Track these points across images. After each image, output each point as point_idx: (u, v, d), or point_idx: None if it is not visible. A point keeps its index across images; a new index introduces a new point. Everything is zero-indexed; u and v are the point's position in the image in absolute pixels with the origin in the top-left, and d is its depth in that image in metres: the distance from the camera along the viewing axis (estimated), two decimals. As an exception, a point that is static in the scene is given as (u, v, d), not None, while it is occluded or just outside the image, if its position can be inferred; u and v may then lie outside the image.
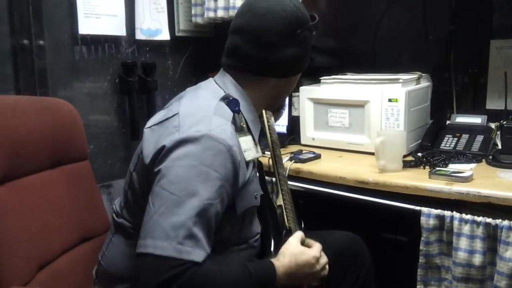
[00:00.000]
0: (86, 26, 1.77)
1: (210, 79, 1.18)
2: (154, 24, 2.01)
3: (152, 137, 1.04)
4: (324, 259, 1.13)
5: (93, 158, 1.46)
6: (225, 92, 1.11)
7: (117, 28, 1.88)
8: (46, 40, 1.67)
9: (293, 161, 1.66)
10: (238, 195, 1.05)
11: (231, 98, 1.09)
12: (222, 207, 0.98)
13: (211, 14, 1.98)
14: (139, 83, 1.97)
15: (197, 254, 0.91)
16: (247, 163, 1.06)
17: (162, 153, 0.97)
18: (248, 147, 1.07)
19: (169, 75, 2.17)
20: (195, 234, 0.91)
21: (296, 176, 1.60)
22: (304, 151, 1.78)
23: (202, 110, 1.04)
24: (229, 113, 1.06)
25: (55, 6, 1.70)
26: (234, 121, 1.05)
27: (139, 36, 1.97)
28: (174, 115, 1.04)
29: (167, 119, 1.05)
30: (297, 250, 1.09)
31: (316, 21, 1.15)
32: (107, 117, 1.94)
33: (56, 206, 1.25)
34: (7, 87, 1.60)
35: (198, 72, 2.23)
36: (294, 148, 1.87)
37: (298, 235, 1.14)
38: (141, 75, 1.98)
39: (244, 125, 1.09)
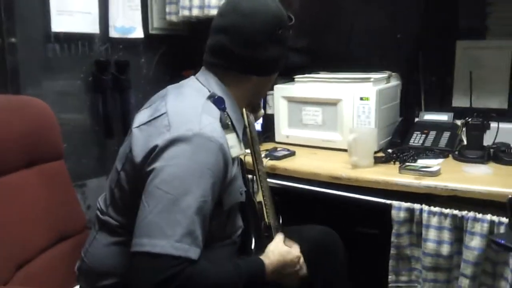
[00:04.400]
0: (59, 23, 1.75)
1: (192, 77, 1.19)
2: (127, 22, 2.00)
3: (141, 137, 1.04)
4: (302, 259, 1.20)
5: (66, 157, 1.44)
6: (209, 90, 1.13)
7: (91, 26, 1.86)
8: (18, 37, 1.64)
9: (268, 158, 1.70)
10: (225, 192, 1.07)
11: (216, 97, 1.11)
12: (213, 204, 1.00)
13: (186, 13, 1.98)
14: (112, 81, 1.96)
15: (194, 251, 0.92)
16: (233, 159, 1.08)
17: (155, 153, 0.98)
18: (233, 144, 1.09)
19: (143, 73, 2.17)
20: (192, 231, 0.93)
21: (271, 173, 1.63)
22: (279, 149, 1.82)
23: (190, 109, 1.06)
24: (216, 111, 1.08)
25: (27, 3, 1.68)
26: (220, 119, 1.07)
27: (113, 34, 1.95)
28: (162, 114, 1.05)
29: (155, 118, 1.06)
30: (284, 250, 1.16)
31: (293, 21, 1.19)
32: (80, 116, 1.92)
33: (33, 206, 1.25)
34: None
35: (171, 70, 2.24)
36: (268, 145, 1.90)
37: (281, 236, 1.21)
38: (115, 73, 1.97)
39: (229, 123, 1.11)
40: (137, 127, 1.09)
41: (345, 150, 1.64)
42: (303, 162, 1.68)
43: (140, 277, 0.91)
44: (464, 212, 1.32)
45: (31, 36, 1.71)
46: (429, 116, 1.85)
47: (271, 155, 1.73)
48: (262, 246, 1.21)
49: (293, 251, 1.19)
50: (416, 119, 1.87)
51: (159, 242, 0.90)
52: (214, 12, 1.90)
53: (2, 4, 1.58)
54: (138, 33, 2.05)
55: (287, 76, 1.95)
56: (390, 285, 1.47)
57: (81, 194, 1.87)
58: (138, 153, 1.02)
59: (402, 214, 1.40)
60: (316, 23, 2.17)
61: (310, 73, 1.97)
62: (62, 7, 1.75)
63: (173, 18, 2.09)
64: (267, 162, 1.65)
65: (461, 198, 1.34)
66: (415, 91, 1.99)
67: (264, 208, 1.32)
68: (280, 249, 1.16)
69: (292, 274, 1.18)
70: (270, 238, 1.27)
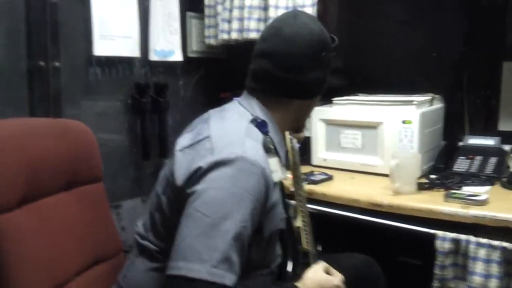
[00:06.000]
0: (101, 47, 1.79)
1: (235, 101, 1.19)
2: (167, 46, 2.03)
3: (184, 160, 1.04)
4: None
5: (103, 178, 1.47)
6: (252, 114, 1.12)
7: (131, 50, 1.90)
8: (62, 61, 1.69)
9: (306, 182, 1.66)
10: (266, 218, 1.05)
11: (259, 120, 1.10)
12: (252, 230, 0.98)
13: (225, 36, 1.99)
14: (151, 103, 1.98)
15: (230, 278, 0.90)
16: (274, 184, 1.06)
17: (197, 175, 0.97)
18: (275, 169, 1.07)
19: (181, 95, 2.18)
20: (229, 257, 0.91)
21: (308, 197, 1.59)
22: (315, 172, 1.79)
23: (233, 133, 1.05)
24: (259, 135, 1.08)
25: (72, 28, 1.72)
26: (263, 143, 1.06)
27: (153, 57, 1.98)
28: (205, 137, 1.05)
29: (197, 141, 1.05)
30: (323, 278, 1.10)
31: (336, 43, 1.18)
32: (119, 137, 1.94)
33: (70, 228, 1.25)
34: (22, 108, 1.61)
35: (209, 92, 2.25)
36: (305, 169, 1.86)
37: (323, 264, 1.15)
38: (153, 95, 2.00)
39: (272, 147, 1.09)
40: (180, 150, 1.08)
41: (385, 175, 1.59)
42: (341, 187, 1.63)
43: None
44: (515, 245, 1.24)
45: (74, 60, 1.75)
46: (474, 140, 1.77)
47: (308, 179, 1.69)
48: (298, 273, 1.18)
49: (334, 280, 1.12)
50: (460, 143, 1.80)
51: (195, 267, 0.88)
52: (253, 35, 1.90)
53: (49, 29, 1.63)
54: (177, 56, 2.07)
55: (325, 98, 1.92)
56: (433, 319, 1.39)
57: (116, 215, 1.88)
58: (180, 176, 1.02)
59: (447, 245, 1.33)
60: (354, 43, 2.14)
61: (347, 95, 1.93)
62: (104, 32, 1.79)
63: (212, 41, 2.11)
64: (304, 186, 1.62)
65: (511, 230, 1.26)
66: (458, 114, 1.92)
67: (302, 234, 1.29)
68: (319, 277, 1.10)
69: None
70: (307, 265, 1.23)
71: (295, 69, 1.12)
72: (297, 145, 1.38)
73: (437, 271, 1.35)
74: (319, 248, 1.36)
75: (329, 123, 1.87)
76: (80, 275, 1.25)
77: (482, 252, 1.28)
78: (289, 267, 1.21)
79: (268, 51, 1.13)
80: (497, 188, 1.54)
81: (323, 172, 1.78)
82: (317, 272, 1.12)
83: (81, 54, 1.78)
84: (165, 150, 2.01)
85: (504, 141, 1.72)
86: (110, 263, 1.35)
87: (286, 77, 1.12)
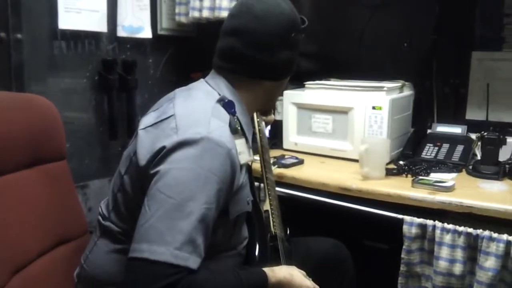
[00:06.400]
0: (67, 21, 1.71)
1: (202, 80, 1.15)
2: (136, 22, 1.96)
3: (147, 139, 1.01)
4: None
5: (68, 157, 1.41)
6: (219, 94, 1.09)
7: (98, 24, 1.82)
8: (24, 33, 1.60)
9: (276, 166, 1.65)
10: (232, 200, 1.03)
11: (226, 100, 1.07)
12: (217, 212, 0.96)
13: (196, 14, 1.94)
14: (119, 81, 1.92)
15: (194, 260, 0.88)
16: (241, 166, 1.04)
17: (161, 155, 0.95)
18: (242, 150, 1.05)
19: (150, 74, 2.13)
20: (194, 239, 0.88)
21: (279, 181, 1.59)
22: (286, 156, 1.78)
23: (199, 112, 1.02)
24: (226, 115, 1.05)
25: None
26: (229, 123, 1.03)
27: (121, 33, 1.92)
28: (170, 116, 1.01)
29: (162, 120, 1.02)
30: (296, 273, 1.07)
31: (306, 24, 1.16)
32: (85, 115, 1.88)
33: (32, 207, 1.20)
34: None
35: (179, 71, 2.20)
36: (276, 152, 1.86)
37: (303, 272, 1.11)
38: (121, 73, 1.93)
39: (238, 128, 1.07)
40: (143, 129, 1.05)
41: (354, 160, 1.60)
42: (311, 171, 1.63)
43: (136, 284, 0.87)
44: (479, 231, 1.26)
45: (37, 33, 1.67)
46: (442, 128, 1.80)
47: (279, 162, 1.68)
48: (266, 256, 1.17)
49: (308, 282, 1.08)
50: (429, 131, 1.82)
51: (158, 249, 0.86)
52: (225, 14, 1.86)
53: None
54: (147, 33, 2.01)
55: (298, 82, 1.91)
56: (398, 303, 1.42)
57: (82, 195, 1.83)
58: (144, 156, 0.99)
59: (414, 230, 1.35)
60: (327, 28, 2.13)
61: (320, 79, 1.92)
62: (70, 5, 1.71)
63: (183, 19, 2.05)
64: (274, 170, 1.61)
65: (476, 216, 1.28)
66: (427, 101, 1.94)
67: (270, 218, 1.28)
68: (292, 270, 1.08)
69: None
70: (275, 248, 1.23)
71: (264, 48, 1.09)
72: (265, 128, 1.37)
73: (404, 255, 1.38)
74: (288, 231, 1.37)
75: (300, 107, 1.86)
76: (43, 256, 1.21)
77: (447, 237, 1.30)
78: (257, 250, 1.20)
79: (238, 28, 1.09)
80: (463, 175, 1.57)
81: (293, 156, 1.77)
82: (293, 268, 1.10)
83: (44, 27, 1.69)
84: (133, 129, 1.95)
85: (471, 130, 1.75)
86: (75, 244, 1.30)
87: (255, 57, 1.09)
